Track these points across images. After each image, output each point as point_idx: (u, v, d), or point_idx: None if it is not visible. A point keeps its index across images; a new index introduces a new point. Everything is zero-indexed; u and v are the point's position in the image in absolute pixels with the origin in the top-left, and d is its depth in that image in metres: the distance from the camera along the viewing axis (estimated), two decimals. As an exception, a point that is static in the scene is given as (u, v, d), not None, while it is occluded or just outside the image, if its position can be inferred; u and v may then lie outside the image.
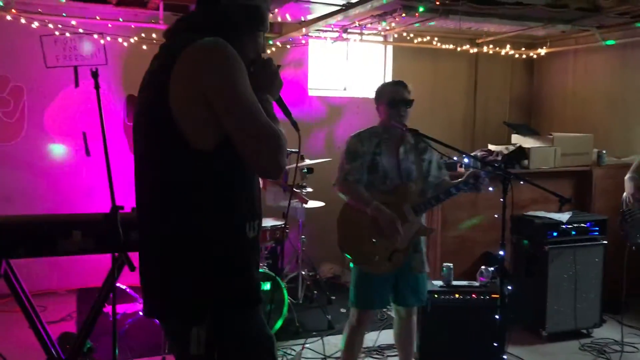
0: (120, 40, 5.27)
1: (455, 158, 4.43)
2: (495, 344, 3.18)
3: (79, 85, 5.23)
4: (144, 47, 5.29)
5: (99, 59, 5.27)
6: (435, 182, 3.36)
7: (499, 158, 3.25)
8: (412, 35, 6.08)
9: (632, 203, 3.63)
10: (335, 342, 4.12)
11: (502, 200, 3.05)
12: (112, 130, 5.40)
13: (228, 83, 1.60)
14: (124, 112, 5.50)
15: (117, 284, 4.58)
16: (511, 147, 4.30)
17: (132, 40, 5.30)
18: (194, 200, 1.62)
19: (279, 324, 4.22)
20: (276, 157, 1.64)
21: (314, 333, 4.36)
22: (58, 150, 5.35)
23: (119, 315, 4.59)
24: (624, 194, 3.71)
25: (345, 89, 6.34)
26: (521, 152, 3.08)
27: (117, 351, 2.37)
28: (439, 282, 4.03)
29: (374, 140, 3.21)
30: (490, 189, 3.15)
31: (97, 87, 2.55)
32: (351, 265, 3.26)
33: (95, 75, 2.54)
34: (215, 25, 1.72)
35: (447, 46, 6.23)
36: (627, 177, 3.66)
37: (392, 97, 3.18)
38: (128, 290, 4.65)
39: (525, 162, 3.11)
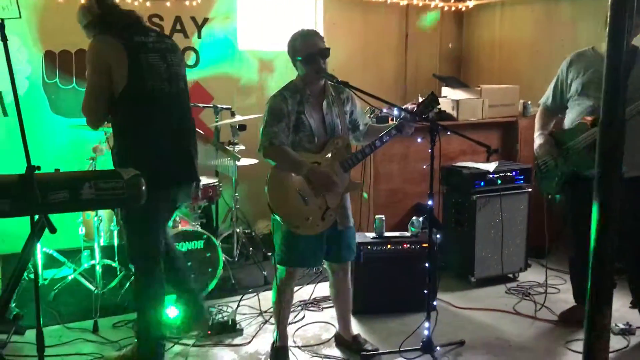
0: (33, -9, 4.95)
1: (385, 110, 4.45)
2: (425, 291, 3.28)
3: (-10, 41, 4.89)
4: (60, -1, 4.99)
5: (11, 12, 4.94)
6: (365, 130, 3.36)
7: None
8: (342, -14, 5.99)
9: (540, 155, 3.78)
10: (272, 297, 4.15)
11: (430, 151, 3.09)
12: (29, 88, 5.12)
13: None
14: (42, 69, 5.20)
15: (45, 249, 4.45)
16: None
17: (46, -8, 4.98)
18: None
19: (214, 283, 4.20)
20: None
21: (250, 290, 4.36)
22: (-28, 110, 5.03)
23: (48, 280, 4.45)
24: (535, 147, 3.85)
25: (276, 43, 6.22)
26: (434, 99, 3.12)
27: (40, 316, 2.28)
28: (372, 234, 4.09)
29: (297, 97, 3.10)
30: (419, 139, 3.19)
31: (4, 39, 2.37)
32: (275, 221, 3.20)
33: (1, 27, 2.36)
34: None
35: (377, -2, 6.18)
36: (536, 134, 3.81)
37: (306, 51, 3.06)
38: (55, 254, 4.51)
39: (437, 108, 3.17)
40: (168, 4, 5.43)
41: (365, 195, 4.80)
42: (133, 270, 3.42)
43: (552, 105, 3.80)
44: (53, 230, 2.18)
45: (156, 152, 3.03)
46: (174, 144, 3.11)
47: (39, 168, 2.22)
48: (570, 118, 3.70)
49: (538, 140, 3.79)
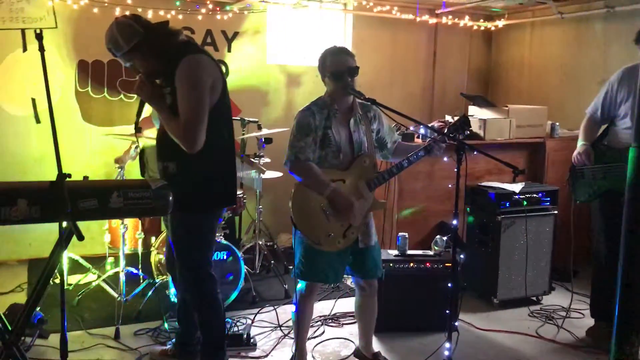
0: (69, 2, 5.06)
1: (412, 128, 4.45)
2: (447, 311, 3.24)
3: (26, 49, 5.02)
4: (95, 10, 5.10)
5: (48, 22, 5.08)
6: (393, 148, 3.35)
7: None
8: (371, 3, 6.02)
9: (581, 161, 3.82)
10: (291, 310, 4.14)
11: (456, 170, 3.07)
12: (62, 97, 5.23)
13: None
14: (75, 78, 5.31)
15: (70, 255, 4.52)
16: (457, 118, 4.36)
17: (82, 3, 5.10)
18: None
19: (235, 294, 4.20)
20: None
21: (268, 305, 4.35)
22: (7, 116, 5.15)
23: (72, 285, 4.52)
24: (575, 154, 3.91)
25: (304, 58, 6.27)
26: (465, 121, 3.11)
27: (65, 322, 2.32)
28: (394, 252, 4.07)
29: (324, 113, 3.11)
30: (445, 159, 3.16)
31: (41, 49, 2.43)
32: (297, 235, 3.19)
33: (39, 37, 2.41)
34: None
35: (406, 16, 6.20)
36: (579, 143, 3.86)
37: (335, 68, 3.08)
38: (80, 260, 4.57)
39: (468, 131, 3.15)
40: (200, 17, 5.51)
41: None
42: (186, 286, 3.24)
43: (599, 117, 3.87)
44: (81, 237, 2.21)
45: (231, 170, 3.08)
46: (234, 161, 3.16)
47: (70, 176, 2.26)
48: (617, 140, 3.72)
49: (580, 149, 3.87)
